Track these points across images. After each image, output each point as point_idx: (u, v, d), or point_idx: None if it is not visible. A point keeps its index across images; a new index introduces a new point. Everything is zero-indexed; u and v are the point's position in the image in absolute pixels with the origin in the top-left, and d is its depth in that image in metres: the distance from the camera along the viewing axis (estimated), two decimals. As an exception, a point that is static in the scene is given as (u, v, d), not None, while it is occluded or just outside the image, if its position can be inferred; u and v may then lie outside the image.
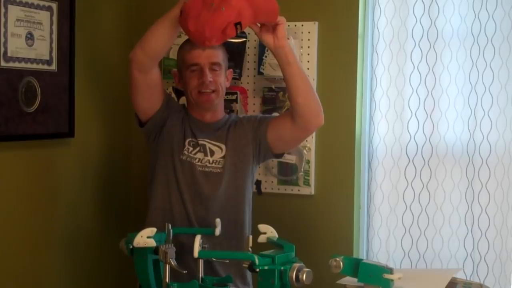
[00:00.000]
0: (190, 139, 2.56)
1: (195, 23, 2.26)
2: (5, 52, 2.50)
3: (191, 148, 2.55)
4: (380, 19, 2.88)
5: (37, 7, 2.63)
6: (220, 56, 2.55)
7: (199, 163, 2.54)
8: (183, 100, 3.04)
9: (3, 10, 2.48)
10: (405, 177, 2.88)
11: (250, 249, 2.10)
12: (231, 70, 2.68)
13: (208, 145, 2.56)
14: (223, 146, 2.56)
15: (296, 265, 1.97)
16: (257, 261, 1.96)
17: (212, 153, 2.55)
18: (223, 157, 2.55)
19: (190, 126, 2.59)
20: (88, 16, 2.90)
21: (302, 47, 2.88)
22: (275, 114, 2.87)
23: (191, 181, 2.52)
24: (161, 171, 2.56)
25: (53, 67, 2.72)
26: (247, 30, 2.93)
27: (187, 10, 2.29)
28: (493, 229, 2.79)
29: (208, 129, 2.58)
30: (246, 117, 2.68)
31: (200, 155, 2.55)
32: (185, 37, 3.02)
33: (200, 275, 2.11)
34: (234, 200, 2.54)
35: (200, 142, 2.56)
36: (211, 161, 2.54)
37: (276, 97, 2.92)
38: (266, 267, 1.96)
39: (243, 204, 2.56)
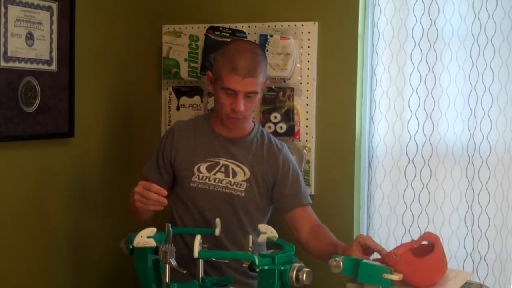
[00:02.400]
0: (200, 164, 2.51)
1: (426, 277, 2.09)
2: (5, 52, 2.51)
3: (202, 174, 2.51)
4: (380, 19, 2.87)
5: (37, 7, 2.63)
6: (258, 83, 2.46)
7: (218, 183, 2.50)
8: (183, 100, 3.04)
9: (3, 10, 2.48)
10: (405, 177, 2.88)
11: (250, 249, 2.10)
12: (267, 81, 2.61)
13: (231, 165, 2.52)
14: (246, 169, 2.52)
15: (296, 265, 1.97)
16: (257, 261, 1.96)
17: (235, 174, 2.51)
18: (246, 181, 2.51)
19: (213, 143, 2.54)
20: (88, 16, 2.90)
21: (302, 47, 2.88)
22: (307, 190, 2.67)
23: (206, 207, 2.50)
24: (176, 199, 2.57)
25: (53, 67, 2.72)
26: (246, 29, 2.95)
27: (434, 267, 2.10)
28: (493, 229, 2.78)
29: (231, 146, 2.55)
30: (284, 157, 2.58)
31: (220, 175, 2.51)
32: (185, 37, 3.04)
33: (200, 275, 2.11)
34: (256, 226, 2.49)
35: (222, 162, 2.52)
36: (232, 183, 2.51)
37: (276, 97, 2.91)
38: (266, 267, 1.96)
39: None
